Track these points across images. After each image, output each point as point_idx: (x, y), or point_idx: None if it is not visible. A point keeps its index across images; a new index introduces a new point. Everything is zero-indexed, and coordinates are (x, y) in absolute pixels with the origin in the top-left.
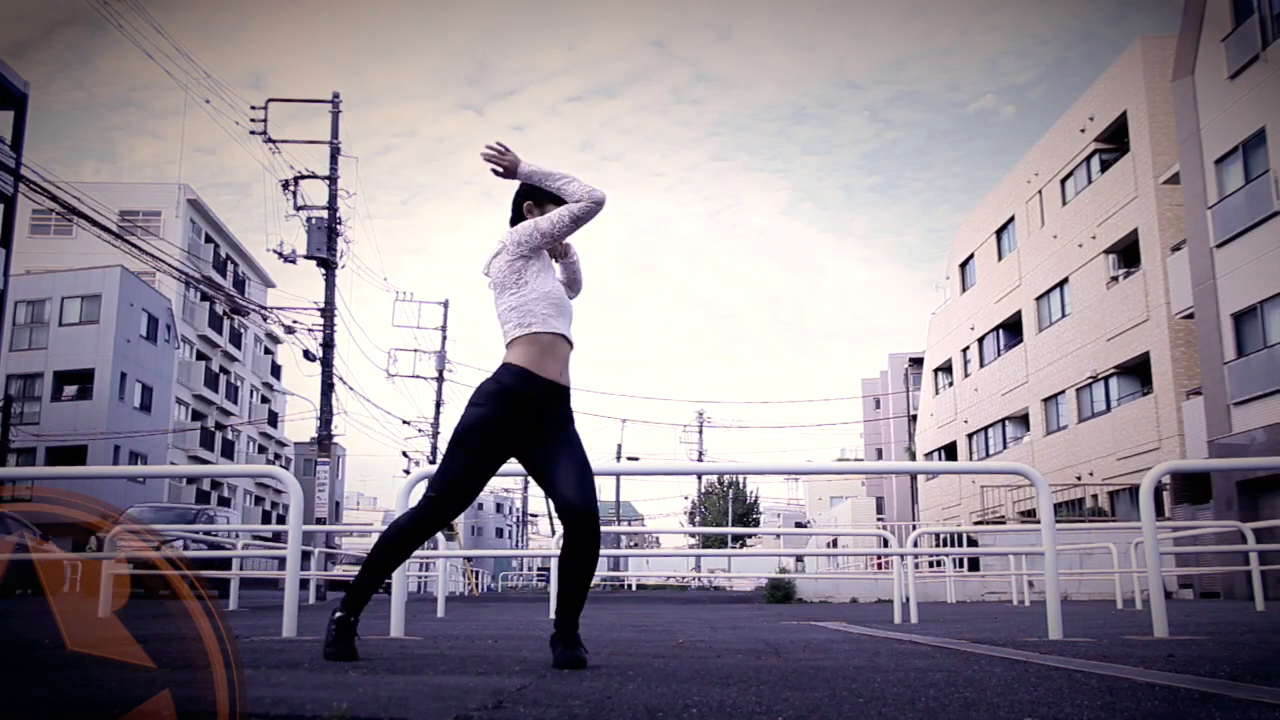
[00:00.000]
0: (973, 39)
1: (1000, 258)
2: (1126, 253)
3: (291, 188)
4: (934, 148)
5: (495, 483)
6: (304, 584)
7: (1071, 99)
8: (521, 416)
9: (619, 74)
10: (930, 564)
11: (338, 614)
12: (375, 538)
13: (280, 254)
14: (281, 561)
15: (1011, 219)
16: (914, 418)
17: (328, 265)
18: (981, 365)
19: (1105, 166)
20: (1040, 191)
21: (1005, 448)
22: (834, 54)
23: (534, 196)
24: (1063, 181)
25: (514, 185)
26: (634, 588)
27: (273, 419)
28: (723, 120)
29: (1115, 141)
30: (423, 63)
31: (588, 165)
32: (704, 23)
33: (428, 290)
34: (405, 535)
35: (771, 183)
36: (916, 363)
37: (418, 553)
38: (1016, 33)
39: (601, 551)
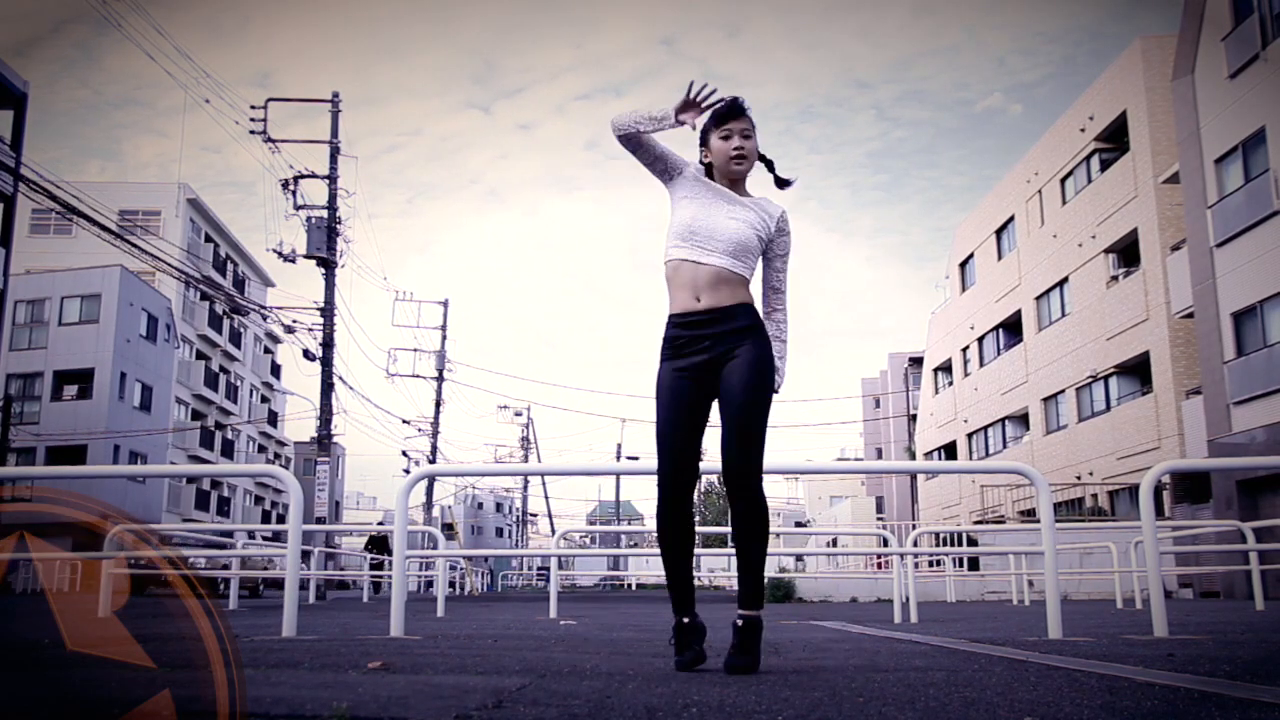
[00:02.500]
0: (980, 37)
1: (1000, 257)
2: (1126, 252)
3: (291, 187)
4: (940, 146)
5: (495, 482)
6: (304, 583)
7: (1078, 98)
8: (682, 358)
9: (626, 72)
10: (930, 563)
11: (675, 622)
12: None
13: (280, 253)
14: (281, 561)
15: (1011, 218)
16: (914, 417)
17: (327, 265)
18: (981, 365)
19: (1105, 166)
20: (1040, 191)
21: (1005, 447)
22: (841, 52)
23: (703, 140)
24: (1062, 181)
25: (519, 182)
26: (634, 587)
27: (273, 419)
28: None
29: (1115, 141)
30: (429, 61)
31: (593, 164)
32: (712, 21)
33: (431, 289)
34: (660, 520)
35: None
36: (916, 362)
37: (417, 553)
38: (1024, 31)
39: (601, 551)
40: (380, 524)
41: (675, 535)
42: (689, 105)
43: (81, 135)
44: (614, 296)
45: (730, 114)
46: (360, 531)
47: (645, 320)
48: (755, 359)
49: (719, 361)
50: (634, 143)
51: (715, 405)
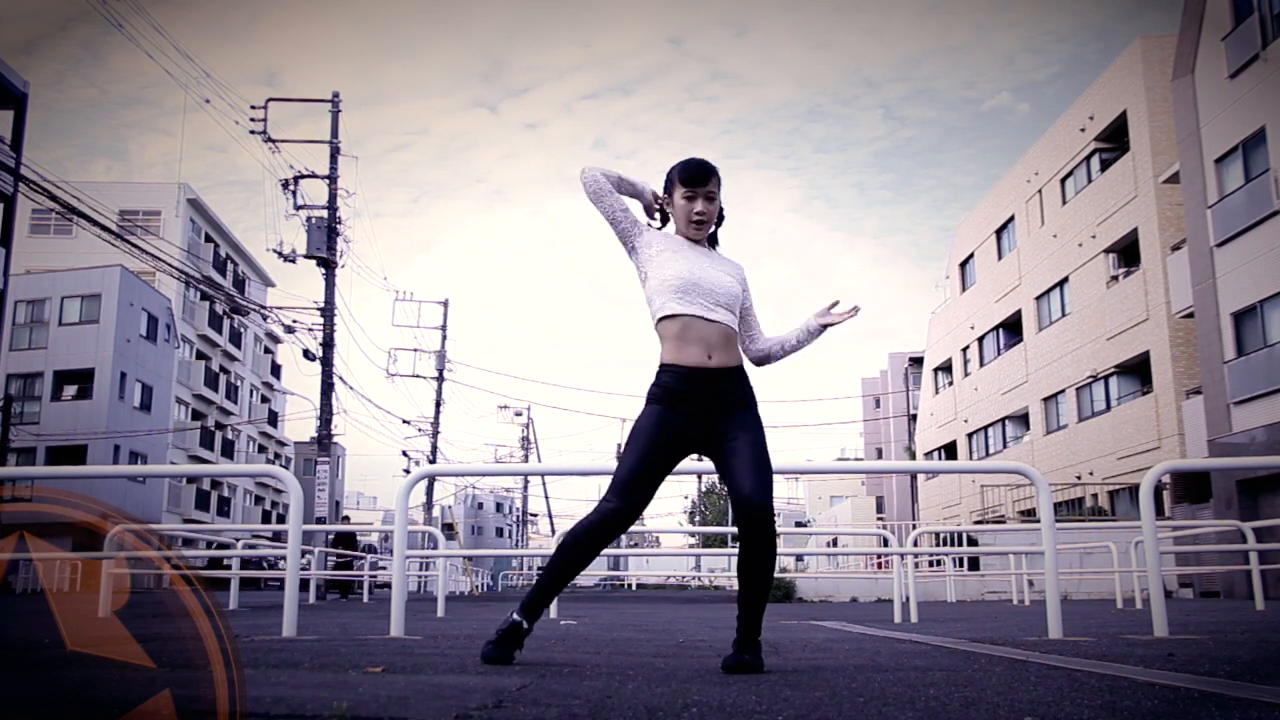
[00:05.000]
0: (989, 36)
1: (1000, 257)
2: (1126, 252)
3: (291, 187)
4: (947, 145)
5: (495, 482)
6: (304, 583)
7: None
8: (680, 409)
9: (634, 71)
10: (930, 563)
11: (513, 617)
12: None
13: (280, 253)
14: (281, 560)
15: (1011, 218)
16: (914, 417)
17: (327, 265)
18: (981, 364)
19: (1105, 166)
20: (1040, 191)
21: (1005, 447)
22: (850, 51)
23: (667, 188)
24: (1063, 181)
25: (525, 181)
26: (634, 587)
27: (273, 419)
28: (736, 118)
29: (1115, 141)
30: (437, 60)
31: (598, 164)
32: (720, 20)
33: (435, 288)
34: (583, 539)
35: (783, 181)
36: (916, 362)
37: (417, 552)
38: (1034, 29)
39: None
40: (347, 517)
41: (582, 563)
42: (657, 201)
43: (87, 134)
44: (617, 296)
45: (697, 177)
46: (362, 531)
47: (648, 320)
48: (758, 421)
49: (721, 418)
50: (604, 190)
51: (689, 456)
